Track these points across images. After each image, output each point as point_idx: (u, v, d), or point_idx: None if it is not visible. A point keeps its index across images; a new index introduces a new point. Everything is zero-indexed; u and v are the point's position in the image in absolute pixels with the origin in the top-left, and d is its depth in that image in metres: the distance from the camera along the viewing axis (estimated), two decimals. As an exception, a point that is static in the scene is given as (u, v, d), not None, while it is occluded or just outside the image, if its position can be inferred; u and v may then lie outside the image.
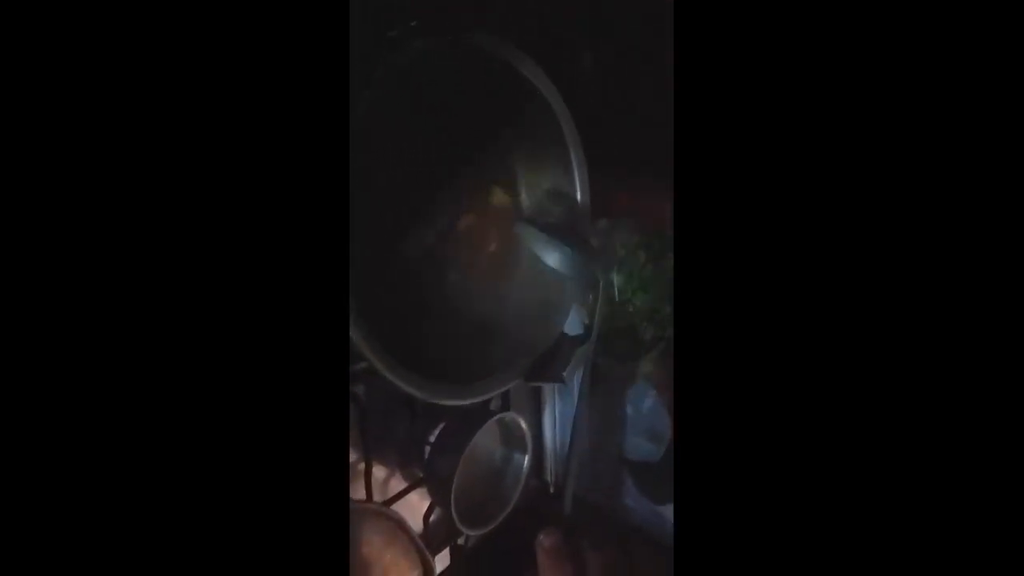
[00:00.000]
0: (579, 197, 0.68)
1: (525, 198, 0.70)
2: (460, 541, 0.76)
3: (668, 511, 0.79)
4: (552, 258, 0.66)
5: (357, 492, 0.65)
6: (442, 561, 0.74)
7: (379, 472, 0.70)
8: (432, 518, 0.73)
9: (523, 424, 0.73)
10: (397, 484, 0.71)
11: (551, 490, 0.87)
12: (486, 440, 0.73)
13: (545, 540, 0.56)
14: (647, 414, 0.81)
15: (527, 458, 0.74)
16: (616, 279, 0.79)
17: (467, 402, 0.59)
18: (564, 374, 0.67)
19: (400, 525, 0.64)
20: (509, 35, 0.57)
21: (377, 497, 0.67)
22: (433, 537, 0.72)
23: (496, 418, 0.69)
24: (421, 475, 0.71)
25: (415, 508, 0.72)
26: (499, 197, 0.68)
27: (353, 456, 0.66)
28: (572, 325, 0.71)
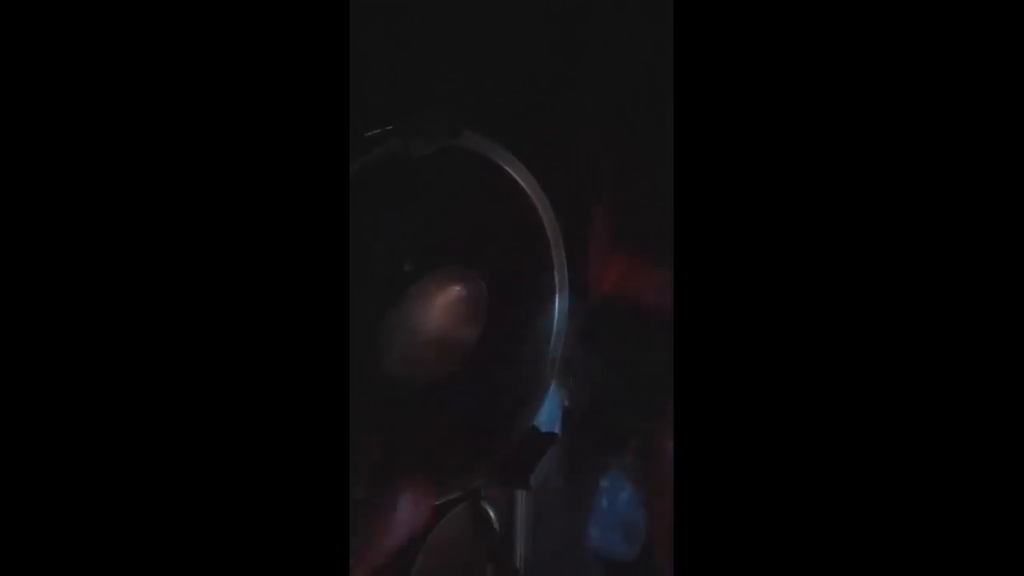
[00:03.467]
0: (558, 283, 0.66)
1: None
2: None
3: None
4: None
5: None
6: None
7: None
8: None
9: (491, 512, 0.69)
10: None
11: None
12: (451, 529, 0.69)
13: None
14: (622, 508, 0.79)
15: (496, 548, 0.70)
16: (596, 361, 0.76)
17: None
18: (531, 479, 0.64)
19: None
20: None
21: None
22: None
23: (462, 505, 0.65)
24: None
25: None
26: None
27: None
28: (546, 418, 0.68)
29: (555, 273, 0.65)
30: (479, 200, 0.61)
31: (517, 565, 0.83)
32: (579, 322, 0.73)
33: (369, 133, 0.50)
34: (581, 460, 0.77)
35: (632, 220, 0.69)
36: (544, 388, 0.67)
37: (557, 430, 0.73)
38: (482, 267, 0.65)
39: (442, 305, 0.61)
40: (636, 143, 0.64)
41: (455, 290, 0.62)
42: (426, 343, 0.61)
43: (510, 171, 0.58)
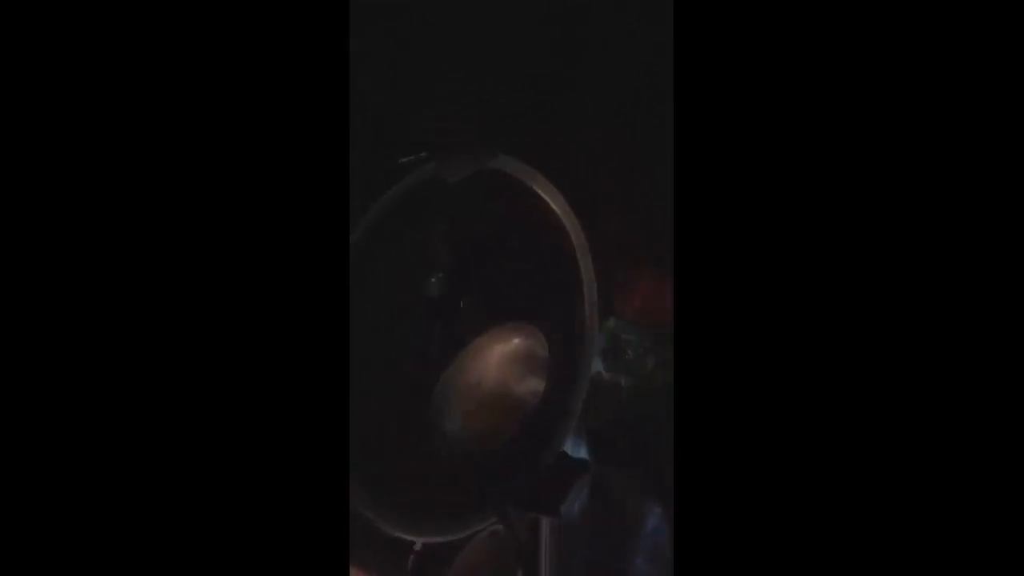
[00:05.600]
0: (588, 306, 0.65)
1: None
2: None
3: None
4: None
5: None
6: None
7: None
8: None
9: (517, 538, 0.67)
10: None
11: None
12: (476, 554, 0.67)
13: None
14: (651, 533, 0.76)
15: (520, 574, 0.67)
16: (623, 382, 0.76)
17: (452, 538, 0.55)
18: (562, 507, 0.62)
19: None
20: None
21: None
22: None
23: (488, 530, 0.64)
24: (403, 590, 0.64)
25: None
26: None
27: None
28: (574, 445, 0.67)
29: (584, 291, 0.65)
30: (509, 220, 0.61)
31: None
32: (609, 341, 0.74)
33: (404, 159, 0.51)
34: (607, 483, 0.75)
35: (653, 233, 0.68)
36: (575, 413, 0.66)
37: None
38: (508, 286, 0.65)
39: (500, 358, 0.61)
40: (636, 143, 0.64)
41: (514, 343, 0.62)
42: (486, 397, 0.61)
43: (541, 192, 0.59)
